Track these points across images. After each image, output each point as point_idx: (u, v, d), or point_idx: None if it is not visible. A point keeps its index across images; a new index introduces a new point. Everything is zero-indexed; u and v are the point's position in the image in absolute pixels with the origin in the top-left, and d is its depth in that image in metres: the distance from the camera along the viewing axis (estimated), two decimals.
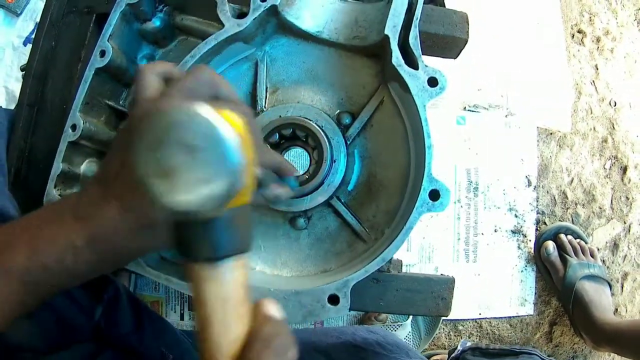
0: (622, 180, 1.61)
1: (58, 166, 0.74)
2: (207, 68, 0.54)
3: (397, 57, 0.66)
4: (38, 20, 1.52)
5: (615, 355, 1.55)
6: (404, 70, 0.65)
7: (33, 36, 1.51)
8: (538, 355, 1.07)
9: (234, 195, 0.28)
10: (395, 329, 1.40)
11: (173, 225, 0.32)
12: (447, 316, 0.78)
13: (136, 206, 0.50)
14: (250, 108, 0.56)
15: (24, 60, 1.52)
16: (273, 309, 0.34)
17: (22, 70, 1.48)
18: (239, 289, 0.32)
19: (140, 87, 0.54)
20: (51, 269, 0.51)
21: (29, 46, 1.55)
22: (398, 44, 0.67)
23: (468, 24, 0.80)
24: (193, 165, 0.25)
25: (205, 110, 0.27)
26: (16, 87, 1.53)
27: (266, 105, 0.77)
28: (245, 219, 0.32)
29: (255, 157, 0.32)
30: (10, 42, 1.57)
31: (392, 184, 0.73)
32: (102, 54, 0.74)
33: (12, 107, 1.47)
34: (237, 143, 0.27)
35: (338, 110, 0.75)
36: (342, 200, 0.75)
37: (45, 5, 0.91)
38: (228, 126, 0.27)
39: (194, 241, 0.30)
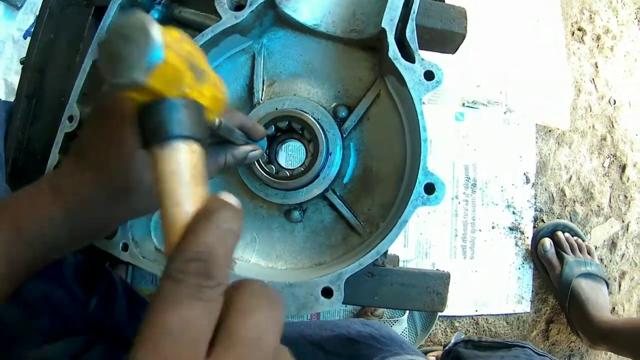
0: (621, 178, 1.61)
1: (55, 157, 0.75)
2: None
3: (393, 51, 0.66)
4: (38, 13, 1.54)
5: (612, 353, 1.55)
6: (401, 63, 0.65)
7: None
8: (531, 349, 1.07)
9: (154, 64, 0.33)
10: (392, 324, 1.40)
11: (137, 122, 0.36)
12: (442, 311, 0.79)
13: (109, 172, 0.52)
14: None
15: (24, 53, 1.52)
16: (227, 196, 0.35)
17: (21, 63, 1.48)
18: (190, 169, 0.35)
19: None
20: (34, 244, 0.53)
21: (29, 39, 1.56)
22: (395, 38, 0.67)
23: (466, 19, 0.80)
24: (125, 45, 0.32)
25: (141, 17, 0.33)
26: (16, 80, 1.53)
27: (263, 98, 0.77)
28: (192, 113, 0.36)
29: (185, 56, 0.37)
30: (10, 35, 1.58)
31: (387, 177, 0.73)
32: None
33: (12, 99, 1.49)
34: (158, 31, 0.33)
35: (334, 103, 0.75)
36: (338, 193, 0.75)
37: None
38: (155, 24, 0.33)
39: (148, 128, 0.35)
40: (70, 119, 0.74)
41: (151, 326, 0.30)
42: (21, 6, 1.57)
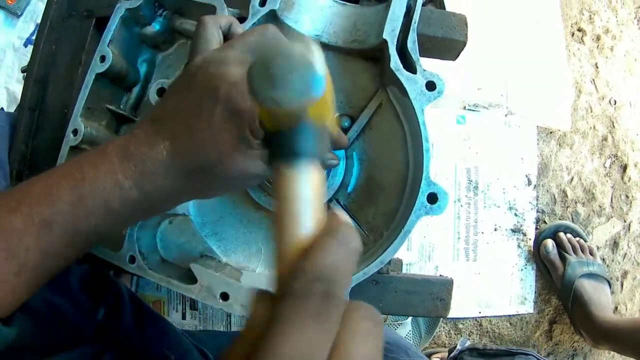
0: (622, 178, 1.62)
1: None
2: (272, 26, 0.56)
3: (395, 62, 0.66)
4: (38, 21, 1.54)
5: (615, 353, 1.56)
6: (403, 74, 0.66)
7: (34, 37, 1.54)
8: (534, 356, 1.08)
9: (315, 97, 0.33)
10: (396, 327, 1.41)
11: (264, 139, 0.38)
12: (445, 317, 0.79)
13: (186, 147, 0.51)
14: None
15: (25, 61, 1.53)
16: (342, 215, 0.35)
17: (23, 71, 1.49)
18: (314, 189, 0.36)
19: (202, 38, 0.56)
20: (97, 214, 0.51)
21: (30, 47, 1.56)
22: (396, 48, 0.67)
23: (467, 27, 0.81)
24: (291, 72, 0.33)
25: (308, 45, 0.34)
26: (17, 89, 1.55)
27: None
28: (323, 136, 0.37)
29: (332, 88, 0.37)
30: (11, 43, 1.59)
31: (390, 186, 0.73)
32: (103, 59, 0.75)
33: (13, 107, 1.49)
34: (323, 65, 0.34)
35: (337, 113, 0.76)
36: (342, 203, 0.76)
37: (45, 8, 0.92)
38: (322, 58, 0.34)
39: (280, 145, 0.36)
40: (75, 132, 0.75)
41: (270, 347, 0.29)
42: (21, 14, 1.57)
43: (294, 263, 0.32)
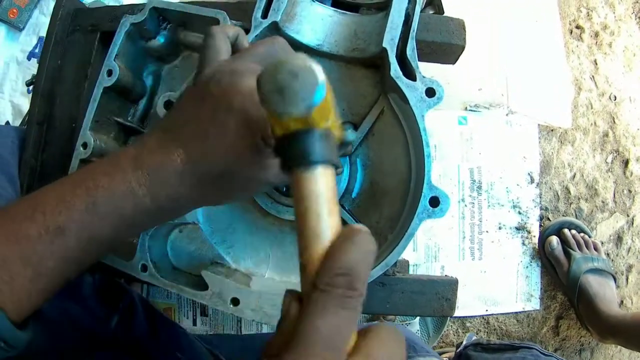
0: (624, 173, 1.62)
1: None
2: (281, 39, 0.57)
3: (395, 70, 0.68)
4: (41, 34, 1.56)
5: (622, 347, 1.57)
6: (402, 81, 0.67)
7: (37, 50, 1.56)
8: (537, 350, 1.09)
9: (318, 102, 0.36)
10: (404, 327, 1.42)
11: (278, 146, 0.40)
12: (451, 316, 0.80)
13: (201, 155, 0.51)
14: None
15: (29, 74, 1.54)
16: (359, 224, 0.38)
17: (27, 85, 1.50)
18: (330, 190, 0.39)
19: (212, 49, 0.57)
20: (110, 221, 0.52)
21: (33, 60, 1.57)
22: (396, 56, 0.69)
23: (465, 31, 0.82)
24: (296, 81, 0.36)
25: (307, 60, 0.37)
26: (22, 102, 1.56)
27: None
28: (331, 141, 0.40)
29: (332, 96, 0.40)
30: (14, 56, 1.59)
31: (393, 191, 0.75)
32: (110, 73, 0.77)
33: (19, 121, 1.50)
34: (322, 73, 0.36)
35: (340, 121, 0.77)
36: (347, 208, 0.77)
37: (50, 23, 0.93)
38: (320, 66, 0.36)
39: (296, 152, 0.38)
40: (84, 145, 0.76)
41: (303, 331, 0.34)
42: (23, 28, 1.57)
43: (319, 263, 0.36)
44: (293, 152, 0.39)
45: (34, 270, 0.50)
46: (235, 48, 0.60)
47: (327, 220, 0.38)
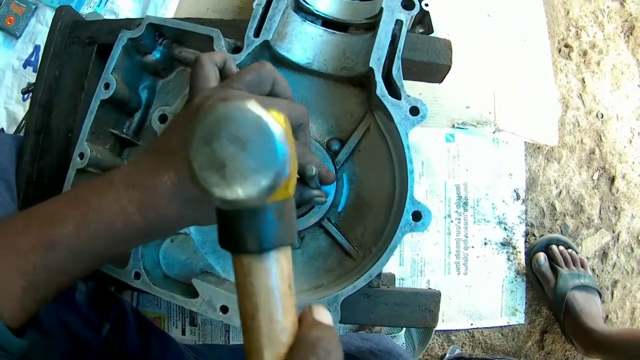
0: (610, 190, 1.65)
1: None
2: (268, 65, 0.59)
3: (381, 89, 0.70)
4: (37, 42, 1.58)
5: None
6: (388, 100, 0.70)
7: (33, 58, 1.58)
8: None
9: (280, 185, 0.29)
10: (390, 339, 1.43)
11: (220, 219, 0.33)
12: (434, 327, 0.82)
13: (190, 178, 0.53)
14: (305, 107, 0.60)
15: (24, 82, 1.54)
16: (321, 314, 0.36)
17: (23, 93, 1.50)
18: (285, 280, 0.33)
19: (200, 77, 0.58)
20: (100, 236, 0.53)
21: (29, 68, 1.58)
22: (382, 76, 0.71)
23: (451, 51, 0.85)
24: (242, 157, 0.28)
25: (254, 107, 0.29)
26: (17, 109, 1.56)
27: None
28: (289, 213, 0.33)
29: (295, 153, 0.33)
30: (10, 64, 1.60)
31: (378, 205, 0.77)
32: (107, 86, 0.79)
33: (13, 128, 1.51)
34: (283, 137, 0.29)
35: (328, 137, 0.79)
36: (333, 221, 0.79)
37: (48, 35, 0.94)
38: (274, 121, 0.29)
39: (242, 233, 0.31)
40: (81, 156, 0.78)
41: None
42: (20, 35, 1.58)
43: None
44: (239, 236, 0.32)
45: (27, 280, 0.52)
46: (224, 74, 0.62)
47: (282, 322, 0.32)
